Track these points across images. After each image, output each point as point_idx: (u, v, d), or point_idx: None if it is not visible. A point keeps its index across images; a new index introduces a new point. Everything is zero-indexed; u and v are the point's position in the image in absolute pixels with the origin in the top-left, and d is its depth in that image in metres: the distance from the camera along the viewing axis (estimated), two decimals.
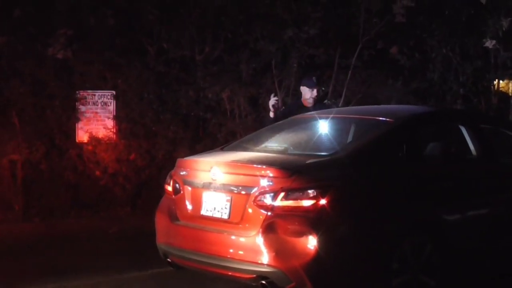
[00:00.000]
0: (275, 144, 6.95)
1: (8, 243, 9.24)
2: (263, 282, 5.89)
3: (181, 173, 6.68)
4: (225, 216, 6.16)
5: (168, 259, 6.60)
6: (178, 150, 11.09)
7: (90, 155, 11.20)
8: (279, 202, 5.88)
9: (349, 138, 6.85)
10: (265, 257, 5.85)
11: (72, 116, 11.23)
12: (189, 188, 6.52)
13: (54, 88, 11.04)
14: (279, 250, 5.83)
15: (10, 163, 10.83)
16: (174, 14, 11.58)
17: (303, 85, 8.87)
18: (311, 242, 5.73)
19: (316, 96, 8.77)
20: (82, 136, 11.28)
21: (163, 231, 6.70)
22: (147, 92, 11.45)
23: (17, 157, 10.79)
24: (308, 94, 8.77)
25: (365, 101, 11.44)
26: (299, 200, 5.84)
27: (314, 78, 8.93)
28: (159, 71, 11.57)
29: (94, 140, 11.19)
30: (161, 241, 6.69)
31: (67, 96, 11.19)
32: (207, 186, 6.34)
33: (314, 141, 6.83)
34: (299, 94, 9.17)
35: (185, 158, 6.94)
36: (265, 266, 5.85)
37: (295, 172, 5.90)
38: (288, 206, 5.87)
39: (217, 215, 6.22)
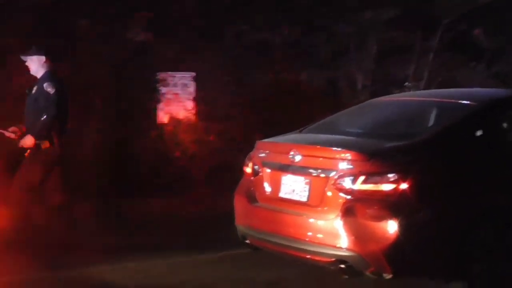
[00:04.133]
0: (354, 127, 6.89)
1: (91, 221, 9.43)
2: (342, 266, 5.87)
3: (260, 155, 6.70)
4: (304, 199, 6.16)
5: (247, 241, 6.64)
6: (255, 132, 11.12)
7: (171, 136, 11.34)
8: (359, 185, 5.84)
9: (430, 122, 6.74)
10: (344, 241, 5.83)
11: (152, 97, 11.38)
12: (268, 170, 6.54)
13: (135, 70, 11.21)
14: (358, 234, 5.80)
15: (93, 144, 11.06)
16: None
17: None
18: (391, 227, 5.69)
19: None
20: (162, 117, 11.43)
21: (242, 213, 6.75)
22: (225, 74, 11.52)
23: (99, 138, 11.01)
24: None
25: (446, 84, 11.24)
26: (379, 184, 5.79)
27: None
28: (237, 54, 11.62)
29: (174, 121, 11.33)
30: (240, 222, 6.73)
31: (147, 78, 11.35)
32: (286, 168, 6.34)
33: (394, 124, 6.75)
34: (377, 77, 9.05)
35: (264, 140, 6.95)
36: (344, 250, 5.82)
37: (374, 156, 5.86)
38: (367, 190, 5.82)
39: (295, 197, 6.22)
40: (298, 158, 6.24)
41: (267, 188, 6.52)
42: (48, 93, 7.87)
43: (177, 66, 11.47)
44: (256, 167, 6.68)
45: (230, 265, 7.47)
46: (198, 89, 11.48)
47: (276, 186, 6.43)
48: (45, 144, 7.89)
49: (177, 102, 11.46)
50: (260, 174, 6.62)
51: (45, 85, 7.90)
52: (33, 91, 8.05)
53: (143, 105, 11.36)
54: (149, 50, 11.46)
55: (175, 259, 7.59)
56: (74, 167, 10.68)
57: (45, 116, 7.85)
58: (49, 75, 8.02)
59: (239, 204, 6.82)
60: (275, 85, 11.69)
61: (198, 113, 11.46)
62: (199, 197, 11.14)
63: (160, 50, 11.40)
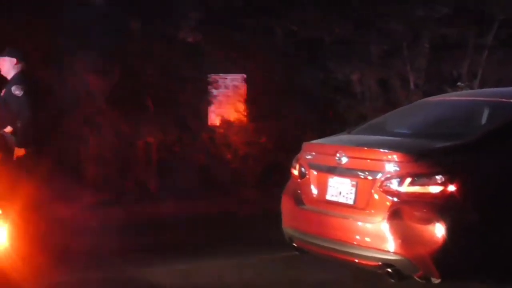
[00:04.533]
0: (403, 128, 6.77)
1: (143, 222, 9.50)
2: (389, 270, 5.78)
3: (307, 156, 6.64)
4: (350, 202, 6.07)
5: (294, 243, 6.59)
6: (307, 133, 11.06)
7: (222, 138, 11.35)
8: (406, 187, 5.73)
9: (481, 122, 6.57)
10: (391, 245, 5.72)
11: (204, 100, 11.41)
12: (315, 172, 6.48)
13: (185, 71, 11.24)
14: (406, 238, 5.69)
15: (146, 145, 11.15)
16: None
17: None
18: (439, 230, 5.56)
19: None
20: (213, 119, 11.44)
21: (289, 215, 6.70)
22: (276, 74, 11.46)
23: (152, 139, 11.08)
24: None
25: (501, 82, 10.98)
26: (426, 186, 5.67)
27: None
28: (287, 53, 11.55)
29: (225, 123, 11.33)
30: (287, 225, 6.68)
31: (199, 79, 11.38)
32: (333, 170, 6.26)
33: (443, 125, 6.61)
34: (430, 76, 8.88)
35: (311, 142, 6.89)
36: (391, 253, 5.72)
37: (421, 157, 5.74)
38: (415, 192, 5.71)
39: (342, 200, 6.14)
40: (344, 160, 6.16)
41: (314, 190, 6.45)
42: (16, 96, 7.81)
43: (228, 67, 11.45)
44: (302, 169, 6.63)
45: (279, 267, 7.42)
46: (249, 90, 11.44)
47: (323, 188, 6.36)
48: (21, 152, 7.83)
49: (228, 104, 11.44)
50: (307, 176, 6.55)
51: (13, 88, 7.85)
52: (2, 93, 8.02)
53: (194, 107, 11.38)
54: (200, 51, 11.48)
55: (223, 261, 7.57)
56: (126, 168, 10.84)
57: (19, 123, 7.78)
58: (18, 77, 7.95)
59: (286, 206, 6.78)
60: (326, 84, 11.59)
61: (249, 115, 11.42)
62: (250, 198, 11.12)
63: (211, 51, 11.41)
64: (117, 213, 9.78)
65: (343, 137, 6.89)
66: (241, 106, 11.42)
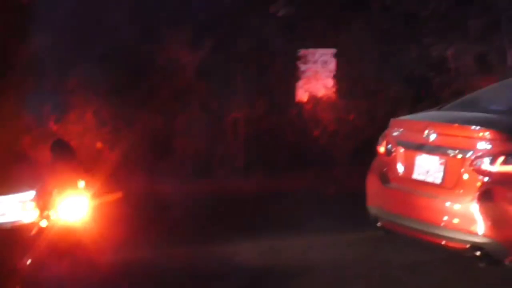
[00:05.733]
0: (497, 104, 6.42)
1: (230, 197, 9.49)
2: (477, 253, 5.50)
3: (394, 133, 6.42)
4: (438, 181, 5.82)
5: (378, 223, 6.39)
6: (398, 110, 10.72)
7: (310, 114, 11.16)
8: (498, 167, 5.46)
9: None
10: (480, 227, 5.45)
11: (292, 75, 11.23)
12: (402, 150, 6.25)
13: (276, 45, 11.07)
14: (497, 220, 5.42)
15: (233, 120, 11.07)
16: None
17: None
18: None
19: None
20: (301, 95, 11.26)
21: (374, 194, 6.51)
22: (369, 50, 11.16)
23: (239, 114, 11.00)
24: None
25: None
26: None
27: None
28: (381, 28, 11.22)
29: (313, 99, 11.13)
30: (372, 204, 6.50)
31: (288, 54, 11.20)
32: (420, 148, 6.03)
33: None
34: None
35: (398, 118, 6.67)
36: (480, 236, 5.46)
37: None
38: (507, 172, 5.42)
39: (429, 179, 5.90)
40: (433, 136, 5.92)
41: (400, 168, 6.22)
42: None
43: (318, 42, 11.21)
44: (389, 146, 6.42)
45: (365, 247, 7.27)
46: (340, 65, 11.18)
47: (410, 166, 6.13)
48: None
49: (316, 79, 11.21)
50: (394, 153, 6.34)
51: None
52: None
53: (283, 82, 11.21)
54: (291, 25, 11.26)
55: (308, 238, 7.49)
56: (213, 143, 10.81)
57: None
58: None
59: (371, 184, 6.60)
60: (421, 60, 11.20)
61: (338, 91, 11.17)
62: (339, 176, 10.91)
63: (301, 25, 11.17)
64: (204, 188, 9.80)
65: (433, 113, 6.63)
66: (330, 82, 11.17)
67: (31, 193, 5.12)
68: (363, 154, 11.07)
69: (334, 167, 11.14)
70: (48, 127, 9.61)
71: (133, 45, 10.56)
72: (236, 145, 11.05)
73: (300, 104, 11.27)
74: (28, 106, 8.21)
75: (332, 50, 11.21)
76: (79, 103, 9.95)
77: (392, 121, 6.59)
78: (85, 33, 10.07)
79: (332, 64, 11.24)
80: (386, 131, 6.59)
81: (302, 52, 11.22)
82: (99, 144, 9.73)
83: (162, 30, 10.65)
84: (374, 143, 10.46)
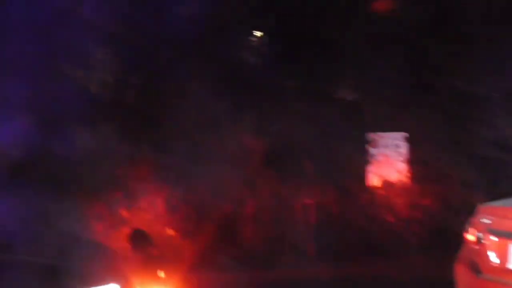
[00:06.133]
0: None
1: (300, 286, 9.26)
2: None
3: (483, 220, 6.09)
4: None
5: None
6: (475, 194, 10.40)
7: (382, 200, 10.92)
8: None
9: None
10: None
11: (362, 159, 11.06)
12: (494, 238, 5.91)
13: (344, 130, 10.94)
14: None
15: (303, 207, 10.91)
16: (463, 47, 10.96)
17: None
18: None
19: None
20: (372, 179, 11.05)
21: (465, 285, 6.14)
22: (440, 132, 10.94)
23: (310, 201, 10.83)
24: None
25: None
26: None
27: None
28: (451, 110, 11.01)
29: (386, 184, 10.91)
30: None
31: (356, 138, 11.07)
32: None
33: None
34: None
35: (488, 204, 6.34)
36: None
37: None
38: None
39: None
40: None
41: (493, 257, 5.88)
42: None
43: (388, 125, 11.04)
44: (479, 234, 6.07)
45: None
46: (411, 149, 10.96)
47: (504, 255, 5.77)
48: None
49: (388, 164, 11.00)
50: (484, 242, 5.99)
51: None
52: None
53: (353, 167, 11.03)
54: (359, 110, 11.17)
55: None
56: (283, 229, 10.64)
57: None
58: None
59: (461, 275, 6.22)
60: (495, 142, 10.91)
61: (412, 175, 10.92)
62: (413, 263, 10.58)
63: (370, 109, 11.06)
64: (272, 276, 9.60)
65: None
66: (403, 166, 10.94)
67: (116, 287, 4.99)
68: (439, 241, 10.81)
69: (409, 254, 10.83)
70: (119, 214, 9.59)
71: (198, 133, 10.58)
72: (306, 232, 10.84)
73: (371, 189, 11.03)
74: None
75: (403, 134, 11.01)
76: (150, 190, 9.93)
77: (481, 207, 6.29)
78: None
79: (403, 148, 11.02)
80: (473, 218, 6.27)
81: (372, 136, 11.04)
82: (170, 231, 9.66)
83: (229, 115, 10.65)
84: (452, 229, 10.23)
